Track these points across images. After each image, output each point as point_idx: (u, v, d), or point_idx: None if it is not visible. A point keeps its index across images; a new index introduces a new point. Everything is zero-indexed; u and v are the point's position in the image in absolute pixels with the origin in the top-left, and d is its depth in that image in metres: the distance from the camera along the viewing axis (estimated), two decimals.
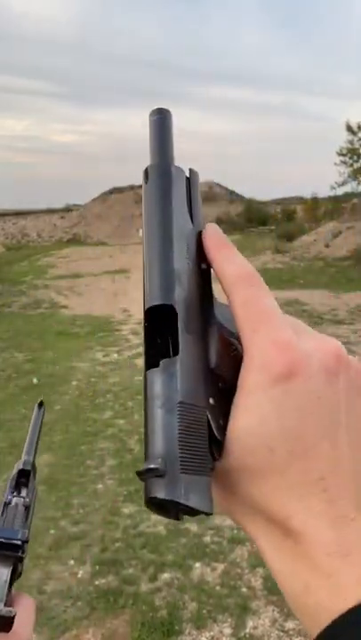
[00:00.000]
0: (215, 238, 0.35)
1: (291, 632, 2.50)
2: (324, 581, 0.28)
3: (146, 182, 0.35)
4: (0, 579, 0.37)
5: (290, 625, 2.54)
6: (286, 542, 0.29)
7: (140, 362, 6.86)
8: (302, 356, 0.30)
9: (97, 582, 2.89)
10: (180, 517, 0.29)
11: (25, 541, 0.39)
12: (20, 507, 0.43)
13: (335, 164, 22.78)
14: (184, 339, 0.30)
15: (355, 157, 22.42)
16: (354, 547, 0.28)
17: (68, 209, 42.37)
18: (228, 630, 2.53)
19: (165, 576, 2.92)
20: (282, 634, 2.49)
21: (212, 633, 2.53)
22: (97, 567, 3.00)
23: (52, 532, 3.34)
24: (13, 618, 0.34)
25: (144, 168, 0.36)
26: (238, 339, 0.32)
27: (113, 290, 12.92)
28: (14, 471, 0.49)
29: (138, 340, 7.83)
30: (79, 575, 2.95)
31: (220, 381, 0.31)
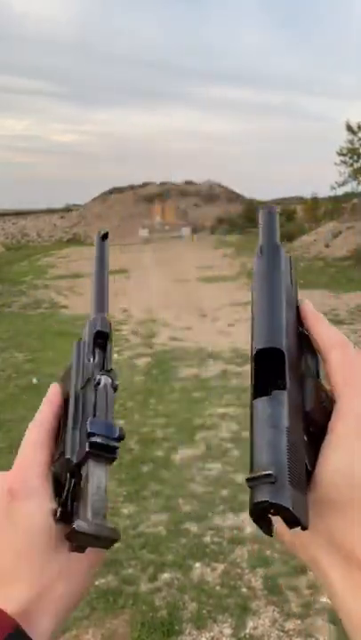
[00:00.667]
0: (312, 309, 0.44)
1: (291, 632, 2.49)
2: None
3: (260, 255, 0.43)
4: (99, 486, 0.35)
5: (290, 625, 2.53)
6: (355, 575, 0.32)
7: (140, 362, 6.86)
8: None
9: (97, 582, 2.89)
10: (273, 533, 0.32)
11: (122, 438, 0.37)
12: (110, 389, 0.40)
13: (335, 163, 22.77)
14: (290, 378, 0.36)
15: (355, 157, 22.41)
16: None
17: (67, 209, 42.38)
18: (228, 630, 2.53)
19: (165, 576, 2.91)
20: (282, 634, 2.49)
21: (212, 633, 2.53)
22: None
23: None
24: (117, 539, 0.34)
25: (258, 246, 0.44)
26: (327, 393, 0.38)
27: (113, 290, 12.76)
28: (88, 333, 0.46)
29: (138, 340, 7.84)
30: None
31: (311, 425, 0.36)
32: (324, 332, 0.41)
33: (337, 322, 8.48)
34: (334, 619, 2.55)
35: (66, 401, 0.43)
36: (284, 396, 0.34)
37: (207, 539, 3.20)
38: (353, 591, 0.32)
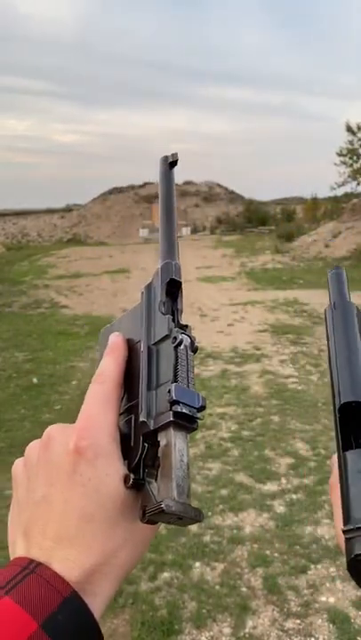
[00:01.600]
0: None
1: (290, 632, 2.50)
2: None
3: (334, 310, 0.43)
4: (182, 460, 0.34)
5: (289, 624, 2.54)
6: None
7: None
8: None
9: None
10: None
11: (204, 408, 0.35)
12: (190, 352, 0.36)
13: (335, 164, 22.80)
14: None
15: (354, 158, 22.42)
16: None
17: (68, 209, 42.38)
18: (227, 630, 2.54)
19: (165, 575, 2.92)
20: (281, 633, 2.50)
21: (211, 632, 2.53)
22: None
23: None
24: (201, 520, 0.34)
25: (331, 303, 0.45)
26: None
27: (113, 290, 12.92)
28: (161, 279, 0.40)
29: None
30: None
31: None
32: None
33: None
34: (334, 618, 2.56)
35: (130, 352, 0.40)
36: None
37: (207, 538, 3.21)
38: None
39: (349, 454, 0.36)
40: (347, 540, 0.32)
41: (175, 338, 0.36)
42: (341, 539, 0.33)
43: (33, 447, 0.39)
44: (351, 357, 0.40)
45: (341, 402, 0.38)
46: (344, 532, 0.32)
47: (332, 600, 2.68)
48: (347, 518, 0.33)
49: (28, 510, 0.37)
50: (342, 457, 0.36)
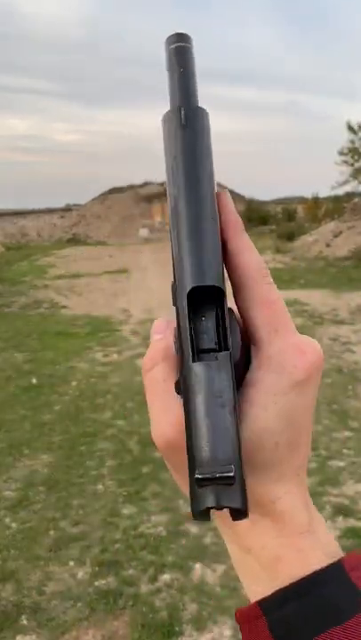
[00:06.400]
0: (234, 216, 0.33)
1: None
2: (295, 554, 0.32)
3: (183, 126, 0.31)
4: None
5: None
6: (262, 522, 0.33)
7: (140, 362, 6.80)
8: (316, 360, 0.32)
9: (97, 583, 2.88)
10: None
11: None
12: None
13: (336, 163, 22.79)
14: (231, 328, 0.28)
15: (356, 157, 22.41)
16: (316, 528, 0.33)
17: (67, 208, 42.36)
18: (228, 632, 2.52)
19: (165, 577, 2.90)
20: None
21: (212, 634, 2.52)
22: (97, 568, 2.99)
23: (51, 532, 3.33)
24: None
25: (180, 109, 0.32)
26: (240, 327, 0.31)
27: (113, 290, 12.90)
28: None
29: (138, 341, 7.81)
30: (79, 576, 2.94)
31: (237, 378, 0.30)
32: (247, 256, 0.32)
33: (338, 322, 8.47)
34: None
35: None
36: (228, 362, 0.27)
37: (207, 540, 3.19)
38: (254, 534, 0.33)
39: (198, 367, 0.27)
40: (200, 487, 0.25)
41: None
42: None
43: None
44: (207, 218, 0.29)
45: (192, 285, 0.28)
46: (205, 479, 0.25)
47: None
48: (191, 453, 0.26)
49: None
50: (189, 369, 0.27)
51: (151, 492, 3.73)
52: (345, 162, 22.63)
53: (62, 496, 3.74)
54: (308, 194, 29.61)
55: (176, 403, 0.31)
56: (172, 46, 0.34)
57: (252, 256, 0.32)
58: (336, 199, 23.51)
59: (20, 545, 3.22)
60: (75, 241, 30.05)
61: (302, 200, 31.24)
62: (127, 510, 3.54)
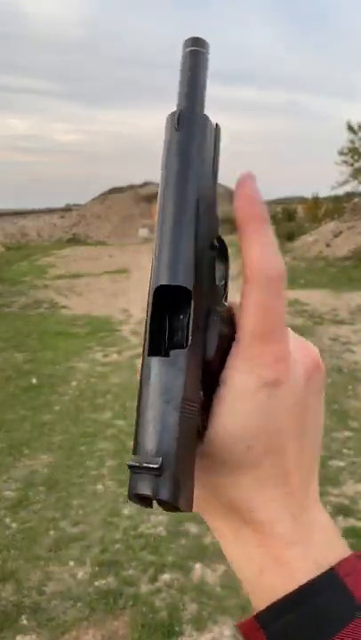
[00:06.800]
0: (250, 209, 0.30)
1: None
2: (279, 567, 0.32)
3: (176, 130, 0.31)
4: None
5: None
6: (245, 530, 0.32)
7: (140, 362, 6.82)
8: (291, 364, 0.31)
9: (97, 583, 2.88)
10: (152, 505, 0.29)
11: None
12: None
13: (336, 163, 22.78)
14: (194, 328, 0.29)
15: (355, 157, 22.40)
16: (306, 537, 0.32)
17: (67, 208, 42.36)
18: (228, 632, 2.52)
19: (165, 577, 2.91)
20: None
21: (212, 634, 2.52)
22: (97, 568, 2.99)
23: (51, 532, 3.33)
24: None
25: (177, 113, 0.32)
26: (232, 323, 0.32)
27: (113, 290, 12.91)
28: None
29: (138, 341, 7.81)
30: (79, 576, 2.94)
31: (209, 376, 0.31)
32: (260, 256, 0.31)
33: (338, 322, 8.47)
34: None
35: None
36: (185, 360, 0.28)
37: (207, 539, 3.19)
38: (237, 543, 0.33)
39: (153, 361, 0.28)
40: (132, 473, 0.27)
41: None
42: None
43: None
44: (186, 218, 0.29)
45: (158, 283, 0.29)
46: (131, 466, 0.27)
47: None
48: (135, 443, 0.27)
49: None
50: (144, 363, 0.28)
51: None
52: (345, 162, 22.63)
53: (62, 496, 3.74)
54: (308, 194, 29.60)
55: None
56: (186, 50, 0.35)
57: (260, 255, 0.31)
58: (336, 199, 23.50)
59: (20, 545, 3.22)
60: (75, 241, 30.05)
61: (302, 200, 31.23)
62: (127, 510, 3.54)
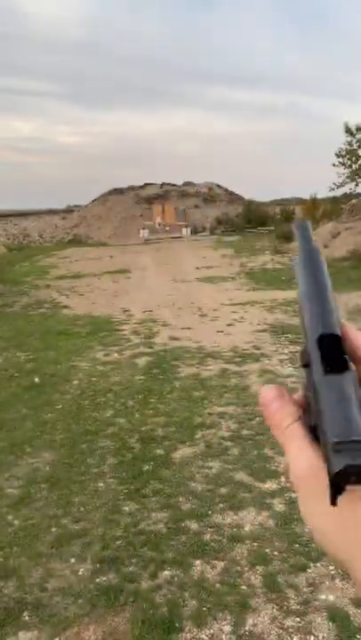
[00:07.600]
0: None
1: (290, 629, 2.51)
2: None
3: (301, 255, 0.45)
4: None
5: (289, 622, 2.55)
6: None
7: (141, 361, 6.88)
8: None
9: (98, 580, 2.91)
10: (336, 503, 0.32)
11: None
12: None
13: (333, 164, 22.79)
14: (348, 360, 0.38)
15: (353, 159, 22.41)
16: None
17: (69, 210, 42.35)
18: (227, 628, 2.55)
19: (166, 574, 2.93)
20: (281, 631, 2.51)
21: (211, 630, 2.54)
22: (98, 565, 3.02)
23: (53, 529, 3.36)
24: None
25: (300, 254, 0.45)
26: None
27: (114, 290, 12.93)
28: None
29: (138, 340, 7.85)
30: (80, 573, 2.98)
31: None
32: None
33: None
34: (334, 616, 2.57)
35: None
36: (354, 376, 0.36)
37: (207, 536, 3.22)
38: None
39: (342, 377, 0.35)
40: (337, 451, 0.31)
41: None
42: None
43: None
44: (327, 298, 0.40)
45: (322, 332, 0.38)
46: (336, 443, 0.31)
47: (331, 598, 2.69)
48: (325, 435, 0.32)
49: None
50: (324, 379, 0.35)
51: (152, 490, 3.76)
52: (342, 164, 22.63)
53: (64, 493, 3.77)
54: (306, 195, 29.59)
55: (310, 448, 0.36)
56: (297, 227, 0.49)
57: None
58: (334, 200, 23.52)
59: (22, 542, 3.25)
60: (76, 242, 30.06)
61: (300, 201, 31.23)
62: (128, 507, 3.57)
